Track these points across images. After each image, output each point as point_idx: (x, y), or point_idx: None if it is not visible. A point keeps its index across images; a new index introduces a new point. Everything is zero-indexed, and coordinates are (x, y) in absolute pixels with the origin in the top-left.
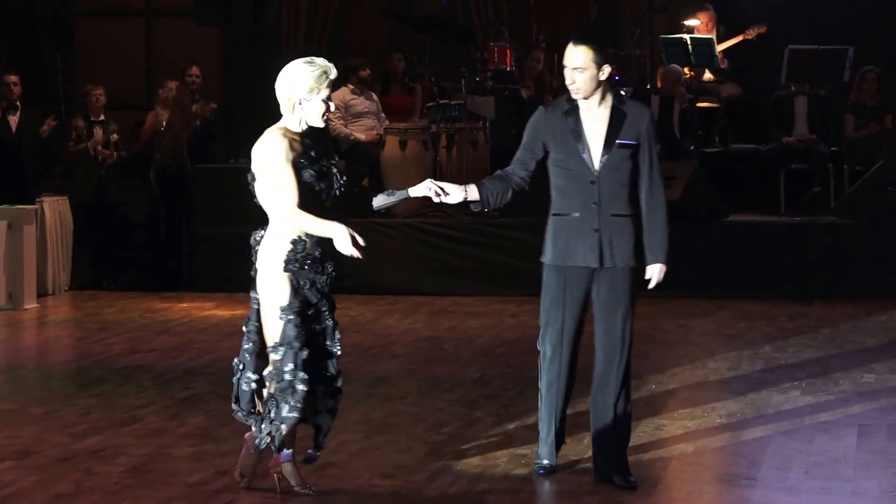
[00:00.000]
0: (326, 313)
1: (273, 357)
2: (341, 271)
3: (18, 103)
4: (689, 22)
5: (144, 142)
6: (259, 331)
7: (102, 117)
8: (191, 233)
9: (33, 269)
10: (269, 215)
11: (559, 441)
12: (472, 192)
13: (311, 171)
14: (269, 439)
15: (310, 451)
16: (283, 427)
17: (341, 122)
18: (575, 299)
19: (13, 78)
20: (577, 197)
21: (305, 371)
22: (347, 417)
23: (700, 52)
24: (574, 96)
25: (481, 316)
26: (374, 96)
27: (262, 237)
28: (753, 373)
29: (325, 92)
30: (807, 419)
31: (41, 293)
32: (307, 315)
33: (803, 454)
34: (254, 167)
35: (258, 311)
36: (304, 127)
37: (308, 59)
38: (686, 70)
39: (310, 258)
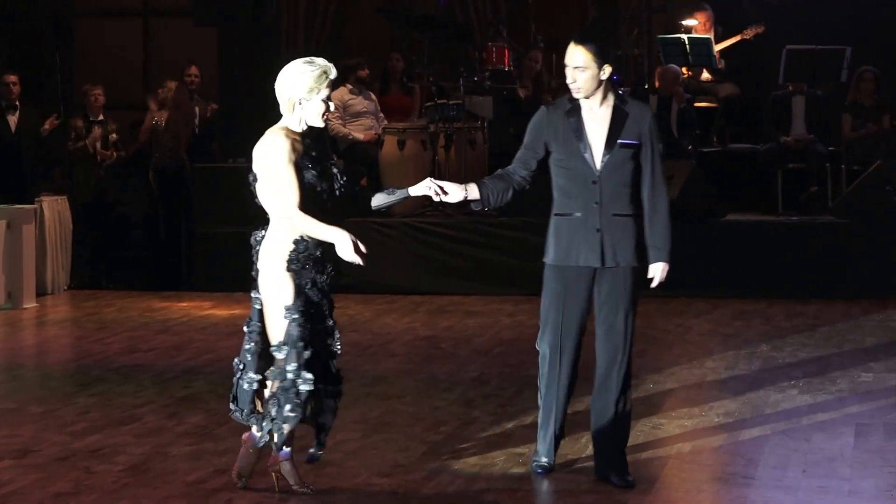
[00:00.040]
0: (327, 313)
1: (277, 356)
2: (340, 271)
3: (18, 103)
4: (687, 22)
5: (143, 141)
6: (261, 331)
7: (101, 117)
8: (189, 232)
9: (32, 268)
10: (270, 215)
11: (558, 440)
12: (473, 191)
13: (314, 172)
14: (269, 437)
15: (311, 450)
16: (286, 426)
17: (339, 121)
18: (576, 299)
19: (12, 78)
20: (579, 197)
21: (309, 370)
22: (345, 416)
23: (698, 51)
24: (575, 95)
25: (479, 315)
26: (373, 96)
27: (262, 237)
28: (751, 372)
29: (324, 92)
30: (804, 418)
31: (40, 292)
32: (311, 314)
33: (800, 453)
34: (255, 167)
35: (260, 311)
36: (304, 127)
37: (308, 59)
38: (684, 70)
39: (311, 258)
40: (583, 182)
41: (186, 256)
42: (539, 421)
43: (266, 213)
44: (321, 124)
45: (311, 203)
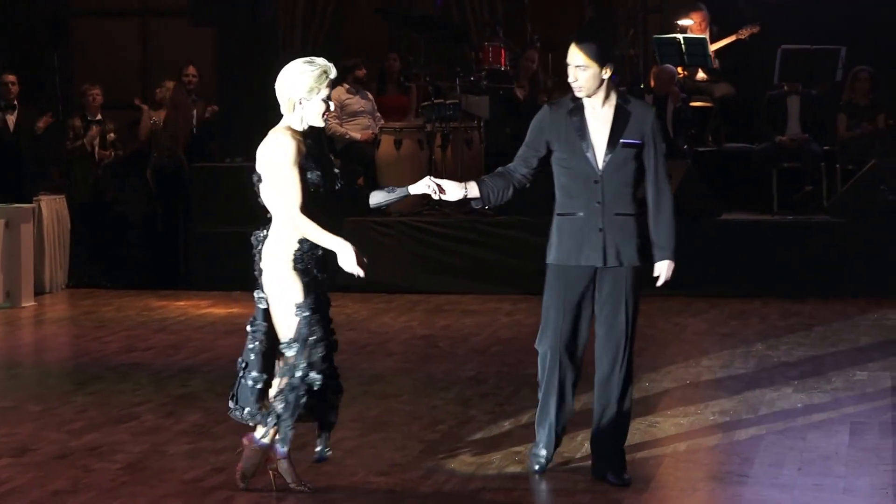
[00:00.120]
0: (327, 310)
1: (287, 353)
2: (337, 270)
3: (16, 103)
4: (683, 22)
5: (142, 141)
6: (266, 331)
7: (99, 117)
8: (187, 231)
9: (31, 267)
10: (273, 215)
11: (559, 438)
12: (473, 190)
13: (318, 172)
14: (273, 432)
15: (318, 449)
16: (292, 423)
17: (337, 121)
18: (578, 299)
19: (11, 77)
20: (581, 196)
21: (320, 367)
22: (343, 415)
23: (693, 51)
24: (577, 94)
25: (476, 314)
26: (370, 96)
27: (264, 237)
28: (746, 371)
29: (325, 91)
30: (799, 417)
31: (38, 291)
32: (320, 311)
33: (796, 451)
34: (260, 167)
35: (264, 311)
36: (305, 126)
37: (308, 58)
38: (679, 70)
39: (314, 257)
40: (585, 181)
41: (184, 255)
42: (538, 419)
43: (266, 213)
44: (321, 124)
45: (313, 203)
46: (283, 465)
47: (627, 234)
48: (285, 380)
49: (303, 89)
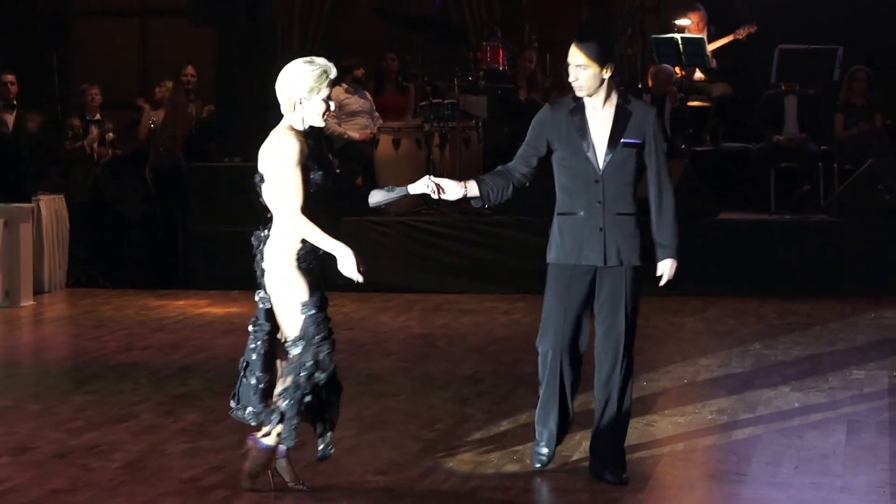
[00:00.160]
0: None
1: (292, 352)
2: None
3: (15, 102)
4: (680, 22)
5: (142, 140)
6: (269, 331)
7: (98, 116)
8: (186, 231)
9: (30, 266)
10: (275, 215)
11: (560, 438)
12: (472, 189)
13: (321, 173)
14: (277, 431)
15: (322, 447)
16: (295, 421)
17: (335, 120)
18: (579, 298)
19: (10, 77)
20: (582, 195)
21: (326, 364)
22: (341, 414)
23: (691, 51)
24: (578, 94)
25: (474, 313)
26: (368, 95)
27: (266, 237)
28: (744, 370)
29: (325, 91)
30: (797, 415)
31: (37, 291)
32: (325, 310)
33: (793, 450)
34: (262, 168)
35: (266, 311)
36: (306, 126)
37: (308, 58)
38: (677, 69)
39: (317, 255)
40: (585, 181)
41: (183, 255)
42: (538, 417)
43: (267, 213)
44: (322, 124)
45: (314, 204)
46: (281, 464)
47: (628, 233)
48: (290, 378)
49: (303, 89)
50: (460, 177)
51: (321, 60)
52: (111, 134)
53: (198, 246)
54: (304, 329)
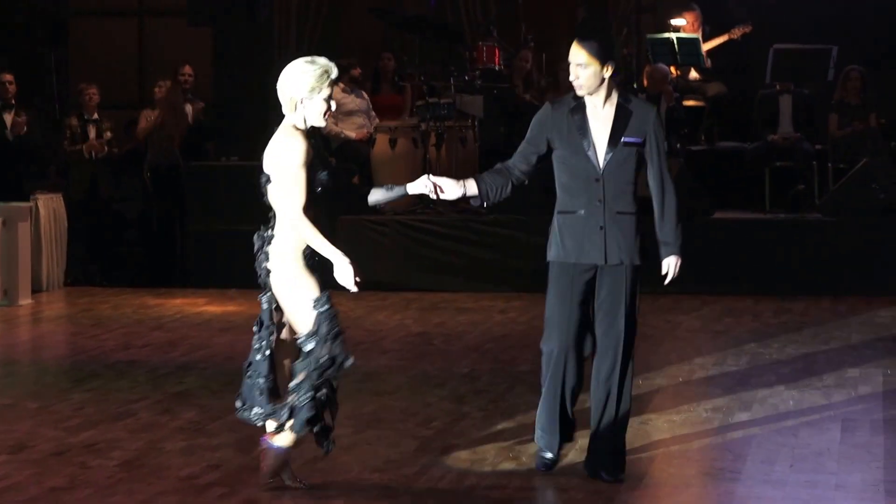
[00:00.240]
0: None
1: (305, 348)
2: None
3: (14, 102)
4: (676, 21)
5: (141, 141)
6: (274, 332)
7: (96, 116)
8: (183, 230)
9: (28, 265)
10: (279, 215)
11: (563, 439)
12: (471, 188)
13: (326, 172)
14: (290, 423)
15: (325, 442)
16: (310, 414)
17: (332, 120)
18: (581, 297)
19: (8, 77)
20: (582, 194)
21: (340, 361)
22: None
23: (686, 51)
24: (578, 92)
25: (470, 312)
26: (365, 95)
27: (270, 237)
28: (739, 368)
29: (326, 91)
30: (791, 414)
31: (36, 289)
32: (334, 304)
33: (788, 448)
34: (268, 168)
35: (270, 312)
36: (307, 126)
37: (309, 58)
38: (672, 69)
39: (317, 254)
40: (585, 180)
41: (180, 254)
42: (538, 421)
43: (268, 212)
44: (323, 123)
45: (316, 204)
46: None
47: (628, 232)
48: (303, 374)
49: (304, 89)
50: (457, 176)
51: (322, 60)
52: (109, 133)
53: (195, 245)
54: (316, 325)
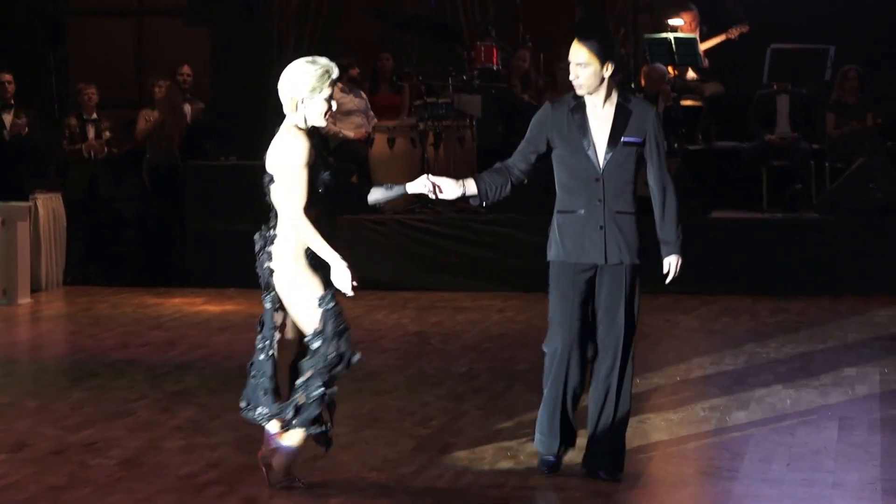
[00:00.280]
0: None
1: (313, 345)
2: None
3: (12, 102)
4: (673, 21)
5: (139, 142)
6: (277, 332)
7: (95, 115)
8: (182, 229)
9: (27, 264)
10: (282, 215)
11: (565, 440)
12: (471, 187)
13: (328, 172)
14: (297, 420)
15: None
16: (317, 411)
17: (330, 119)
18: (582, 296)
19: (7, 77)
20: (582, 194)
21: (348, 358)
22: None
23: (684, 51)
24: (578, 92)
25: (469, 311)
26: (363, 94)
27: (273, 236)
28: (736, 367)
29: (327, 91)
30: (789, 412)
31: (35, 288)
32: (339, 302)
33: (785, 447)
34: (271, 168)
35: (274, 312)
36: (308, 126)
37: (310, 58)
38: (670, 69)
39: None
40: (586, 179)
41: (179, 253)
42: (540, 421)
43: (269, 212)
44: (324, 123)
45: (317, 203)
46: (278, 461)
47: (627, 232)
48: (311, 371)
49: (305, 89)
50: (455, 175)
51: (323, 60)
52: (108, 133)
53: (194, 244)
54: (323, 322)
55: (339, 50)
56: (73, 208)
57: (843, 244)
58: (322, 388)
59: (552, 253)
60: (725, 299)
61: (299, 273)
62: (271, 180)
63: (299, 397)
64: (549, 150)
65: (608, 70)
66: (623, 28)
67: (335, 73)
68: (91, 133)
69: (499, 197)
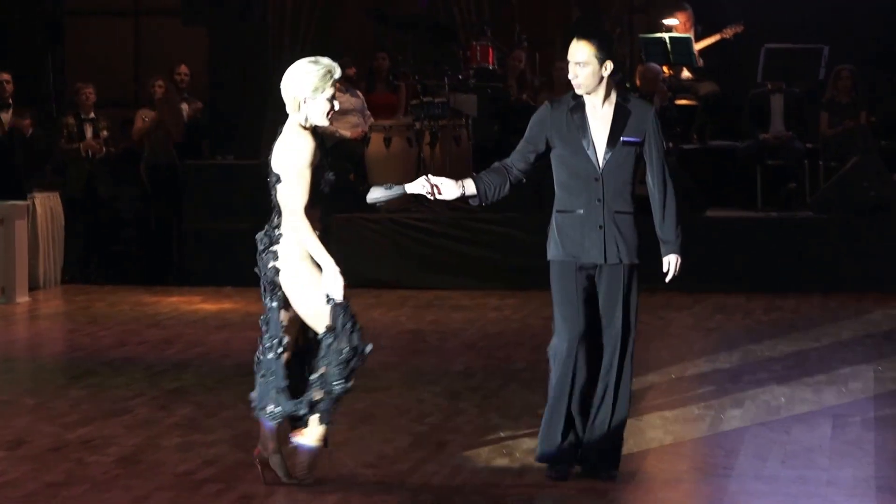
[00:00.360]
0: None
1: (326, 342)
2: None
3: (11, 101)
4: (668, 21)
5: (136, 141)
6: (284, 330)
7: (92, 115)
8: (179, 228)
9: (25, 263)
10: (286, 214)
11: (571, 447)
12: (470, 187)
13: (332, 172)
14: (315, 417)
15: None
16: (333, 406)
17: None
18: (584, 294)
19: (6, 76)
20: (582, 194)
21: (361, 351)
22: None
23: (679, 50)
24: (577, 91)
25: (465, 309)
26: (360, 94)
27: (278, 236)
28: (731, 365)
29: (329, 91)
30: (783, 410)
31: (33, 287)
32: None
33: (780, 444)
34: (277, 167)
35: (280, 310)
36: (310, 125)
37: (313, 58)
38: (665, 68)
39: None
40: (585, 179)
41: (177, 252)
42: (542, 434)
43: (273, 211)
44: (326, 123)
45: (318, 203)
46: (275, 459)
47: (626, 231)
48: (325, 368)
49: (307, 88)
50: (451, 174)
51: (326, 60)
52: (105, 132)
53: (191, 243)
54: (333, 318)
55: (335, 49)
56: (71, 207)
57: (837, 242)
58: (343, 384)
59: (551, 252)
60: (720, 297)
61: (306, 271)
62: (278, 180)
63: (314, 393)
64: (549, 149)
65: (607, 69)
66: (618, 28)
67: (337, 72)
68: (89, 132)
69: (498, 197)
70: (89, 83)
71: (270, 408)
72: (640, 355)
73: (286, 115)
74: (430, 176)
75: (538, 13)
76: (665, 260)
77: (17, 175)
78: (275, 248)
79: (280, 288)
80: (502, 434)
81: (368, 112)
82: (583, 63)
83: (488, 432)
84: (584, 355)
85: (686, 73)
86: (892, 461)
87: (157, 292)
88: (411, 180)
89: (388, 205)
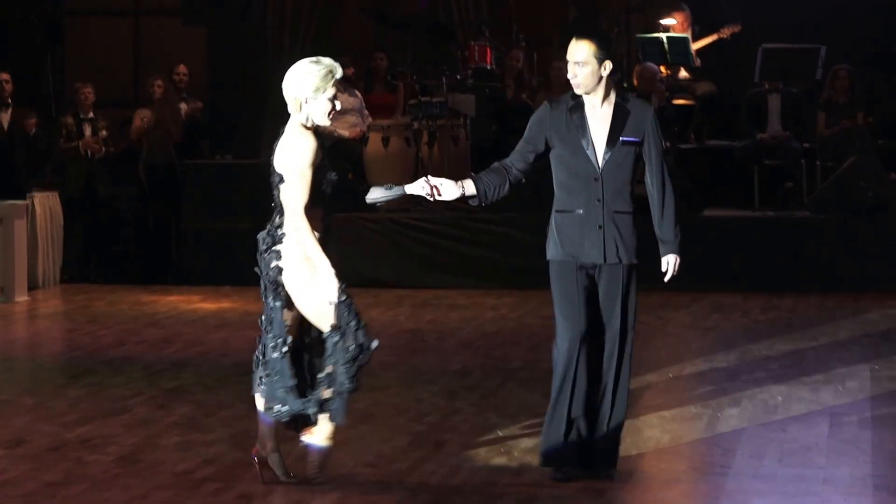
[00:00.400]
0: None
1: (332, 340)
2: None
3: (10, 101)
4: (666, 21)
5: (135, 141)
6: (288, 329)
7: (91, 114)
8: (178, 227)
9: (24, 262)
10: (288, 213)
11: (573, 447)
12: (469, 187)
13: (335, 172)
14: (323, 417)
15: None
16: (342, 401)
17: None
18: (585, 294)
19: (5, 76)
20: (581, 193)
21: (367, 348)
22: None
23: (676, 50)
24: (576, 91)
25: (462, 308)
26: (358, 94)
27: (281, 235)
28: (728, 364)
29: (330, 91)
30: (780, 409)
31: (32, 286)
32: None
33: (777, 443)
34: (280, 167)
35: (283, 310)
36: (311, 125)
37: (314, 58)
38: (662, 68)
39: (327, 247)
40: (584, 179)
41: (175, 251)
42: (544, 435)
43: (274, 211)
44: (327, 123)
45: (322, 203)
46: (273, 459)
47: (626, 231)
48: (332, 366)
49: (309, 89)
50: (449, 174)
51: (327, 60)
52: (104, 132)
53: (190, 242)
54: (338, 317)
55: (334, 49)
56: (70, 207)
57: (834, 242)
58: (352, 381)
59: (551, 252)
60: (717, 297)
61: (309, 270)
62: (281, 180)
63: (323, 392)
64: (548, 149)
65: (606, 69)
66: (616, 28)
67: (339, 72)
68: (87, 132)
69: (498, 197)
70: (88, 83)
71: (277, 407)
72: (637, 354)
73: (287, 115)
74: (429, 177)
75: (535, 13)
76: (664, 260)
77: (19, 174)
78: (278, 247)
79: (283, 287)
80: (500, 433)
81: (367, 112)
82: (582, 63)
83: (486, 431)
84: (586, 355)
85: (683, 73)
86: (888, 460)
87: (156, 292)
88: (410, 180)
89: (388, 205)
